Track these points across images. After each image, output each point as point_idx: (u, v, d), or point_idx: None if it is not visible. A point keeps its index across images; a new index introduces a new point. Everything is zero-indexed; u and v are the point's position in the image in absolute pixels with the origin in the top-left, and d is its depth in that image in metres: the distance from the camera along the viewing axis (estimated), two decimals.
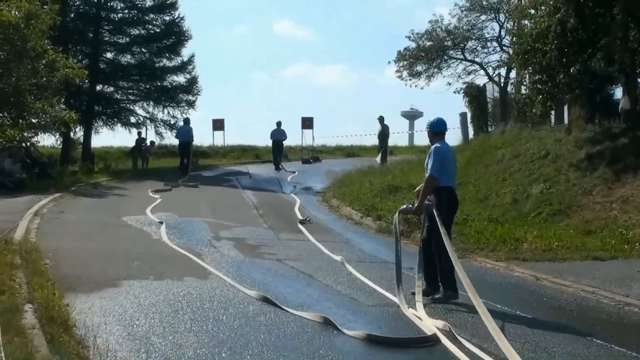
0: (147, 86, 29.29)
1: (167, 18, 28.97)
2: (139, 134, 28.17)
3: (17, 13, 17.22)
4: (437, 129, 7.55)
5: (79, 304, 6.16)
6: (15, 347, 4.53)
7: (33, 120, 18.98)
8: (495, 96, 25.36)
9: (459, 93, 28.06)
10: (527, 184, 13.70)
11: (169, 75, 29.41)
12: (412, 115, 65.33)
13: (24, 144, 19.04)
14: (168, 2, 28.69)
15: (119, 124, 28.91)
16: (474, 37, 30.37)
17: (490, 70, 30.23)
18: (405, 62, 30.66)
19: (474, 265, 9.46)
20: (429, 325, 5.98)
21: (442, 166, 7.21)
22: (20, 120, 18.52)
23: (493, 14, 29.88)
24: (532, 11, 16.49)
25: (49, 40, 19.21)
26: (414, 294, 6.97)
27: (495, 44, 30.35)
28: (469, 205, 13.14)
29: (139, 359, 4.96)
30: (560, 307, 7.10)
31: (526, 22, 17.12)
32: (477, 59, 30.87)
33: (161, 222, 12.18)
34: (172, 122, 29.01)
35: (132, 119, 29.12)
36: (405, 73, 30.89)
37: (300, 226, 12.76)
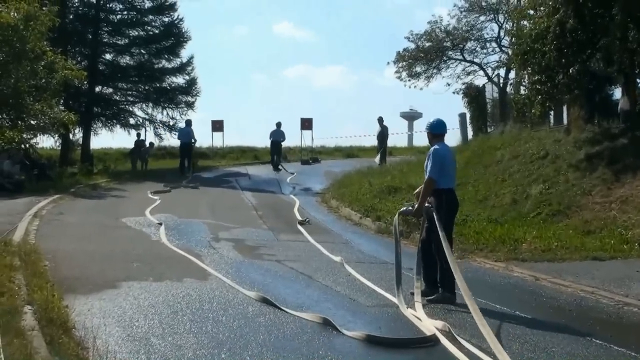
0: (146, 87, 29.31)
1: (166, 19, 29.01)
2: (138, 135, 28.23)
3: (16, 15, 17.24)
4: (437, 130, 7.53)
5: (78, 305, 6.16)
6: (14, 349, 4.52)
7: (32, 122, 19.01)
8: (495, 97, 25.36)
9: (458, 94, 28.17)
10: (526, 185, 13.70)
11: (168, 77, 29.46)
12: (411, 116, 65.32)
13: (23, 146, 19.07)
14: (167, 3, 28.72)
15: (118, 126, 28.95)
16: (473, 38, 30.46)
17: (489, 71, 30.38)
18: (404, 63, 30.73)
19: (474, 266, 9.47)
20: (429, 325, 5.98)
21: (441, 168, 7.20)
22: (19, 122, 18.55)
23: (492, 15, 29.98)
24: (531, 12, 16.49)
25: (48, 41, 19.24)
26: (413, 294, 6.97)
27: (494, 44, 30.49)
28: (469, 206, 13.14)
29: None
30: (559, 307, 7.11)
31: (525, 22, 17.13)
32: (476, 60, 31.00)
33: (160, 224, 12.18)
34: (171, 123, 29.08)
35: (131, 121, 29.17)
36: (404, 74, 31.00)
37: (300, 227, 12.76)
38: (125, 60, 29.12)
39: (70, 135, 26.88)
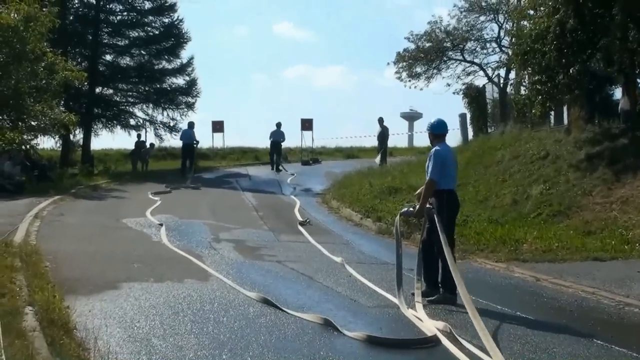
0: (147, 88, 29.30)
1: (166, 20, 28.98)
2: (139, 136, 28.25)
3: (16, 16, 17.22)
4: (438, 130, 7.53)
5: (79, 306, 6.16)
6: (16, 350, 4.53)
7: (32, 123, 18.99)
8: (495, 97, 25.37)
9: (458, 94, 28.16)
10: (526, 185, 13.70)
11: (168, 78, 29.44)
12: (411, 117, 65.40)
13: (23, 147, 19.06)
14: (167, 4, 28.71)
15: (118, 127, 28.93)
16: (473, 38, 30.44)
17: (489, 71, 30.34)
18: (404, 64, 30.71)
19: (474, 267, 9.47)
20: (430, 326, 5.98)
21: (442, 169, 7.20)
22: (20, 123, 18.53)
23: (492, 15, 29.96)
24: (532, 12, 16.49)
25: (48, 42, 19.23)
26: (414, 295, 6.97)
27: (494, 44, 30.46)
28: (469, 207, 13.13)
29: None
30: (560, 308, 7.11)
31: (525, 22, 17.13)
32: (476, 60, 30.97)
33: (161, 224, 12.18)
34: (171, 124, 29.05)
35: (132, 121, 29.15)
36: (404, 74, 30.97)
37: (300, 228, 12.76)
38: (126, 61, 29.14)
39: (71, 136, 26.88)
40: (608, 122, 14.78)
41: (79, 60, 27.20)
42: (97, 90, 28.25)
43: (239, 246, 10.65)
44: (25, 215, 12.36)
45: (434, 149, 7.36)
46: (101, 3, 27.89)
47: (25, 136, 18.67)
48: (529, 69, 15.83)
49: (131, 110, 29.56)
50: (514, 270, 9.03)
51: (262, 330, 5.83)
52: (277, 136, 26.79)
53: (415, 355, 5.53)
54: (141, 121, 29.27)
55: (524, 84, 18.08)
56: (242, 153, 33.55)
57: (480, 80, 29.57)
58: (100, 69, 28.26)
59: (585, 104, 15.59)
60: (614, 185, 11.96)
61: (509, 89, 25.23)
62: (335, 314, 6.38)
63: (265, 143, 28.95)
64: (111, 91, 29.29)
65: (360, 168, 20.95)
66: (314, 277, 8.29)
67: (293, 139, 30.86)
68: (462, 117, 24.84)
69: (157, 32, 28.94)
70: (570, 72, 14.20)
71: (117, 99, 29.52)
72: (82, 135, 28.03)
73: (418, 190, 7.58)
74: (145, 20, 28.84)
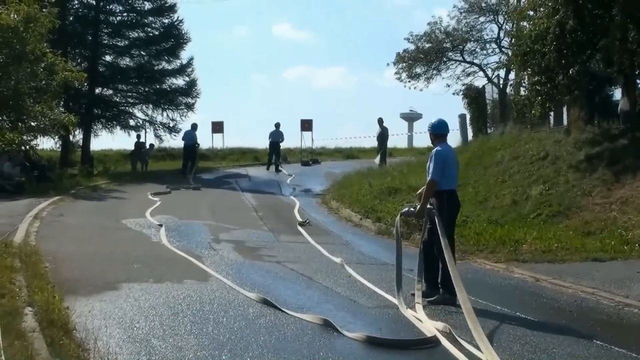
0: (146, 89, 29.29)
1: (166, 21, 28.95)
2: (138, 137, 28.24)
3: (16, 16, 17.24)
4: (439, 130, 7.52)
5: (79, 307, 6.16)
6: (15, 351, 4.53)
7: (32, 124, 19.00)
8: (495, 98, 25.37)
9: (458, 95, 28.20)
10: (526, 186, 13.71)
11: (168, 78, 29.42)
12: (411, 117, 65.24)
13: (23, 147, 19.06)
14: (167, 4, 28.70)
15: (118, 127, 28.91)
16: (472, 39, 30.44)
17: (489, 72, 30.32)
18: (404, 64, 30.70)
19: (474, 267, 9.47)
20: (429, 327, 5.98)
21: (443, 170, 7.20)
22: (20, 124, 18.55)
23: (492, 16, 29.97)
24: (531, 13, 16.50)
25: (48, 43, 19.25)
26: (413, 295, 6.97)
27: (494, 45, 30.46)
28: (469, 207, 13.13)
29: None
30: (560, 308, 7.11)
31: (525, 23, 17.14)
32: (476, 61, 30.97)
33: (161, 225, 12.18)
34: (171, 125, 29.05)
35: (131, 122, 29.12)
36: (404, 75, 30.96)
37: (300, 228, 12.76)
38: (125, 61, 29.12)
39: (71, 137, 26.87)
40: (608, 122, 14.79)
41: (79, 60, 27.19)
42: (97, 90, 28.25)
43: (238, 247, 10.65)
44: (24, 215, 12.36)
45: (434, 150, 7.36)
46: (101, 4, 27.88)
47: (24, 137, 18.69)
48: (529, 69, 15.84)
49: (131, 110, 29.57)
50: (514, 270, 9.03)
51: (261, 330, 5.83)
52: (276, 136, 26.80)
53: (415, 355, 5.53)
54: (141, 122, 29.29)
55: (523, 84, 18.10)
56: (242, 154, 33.56)
57: (480, 81, 29.63)
58: (100, 69, 28.25)
59: (584, 104, 15.60)
60: (613, 185, 11.96)
61: (508, 89, 25.24)
62: (334, 314, 6.38)
63: (265, 144, 29.02)
64: (111, 92, 29.28)
65: (359, 169, 20.96)
66: (313, 278, 8.29)
67: (293, 140, 31.05)
68: (462, 117, 24.86)
69: (157, 33, 28.93)
70: (570, 72, 14.20)
71: (117, 99, 29.51)
72: (81, 136, 28.05)
73: (420, 190, 7.58)
74: (145, 20, 28.83)
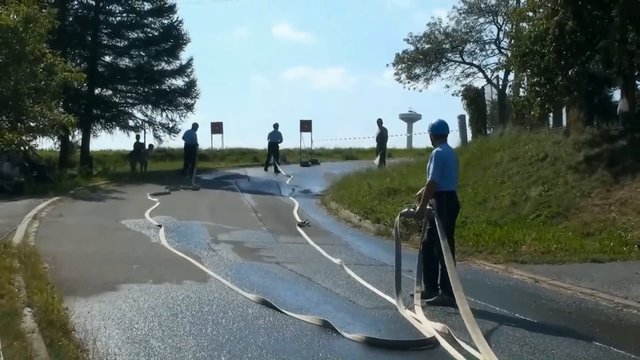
0: (146, 89, 29.26)
1: (166, 21, 28.92)
2: (138, 137, 28.22)
3: (15, 17, 17.24)
4: (439, 131, 7.52)
5: (78, 307, 6.16)
6: (14, 351, 4.53)
7: (31, 124, 19.01)
8: (494, 99, 25.36)
9: (457, 95, 28.19)
10: (525, 187, 13.71)
11: (167, 79, 29.39)
12: (410, 118, 65.36)
13: (22, 148, 19.06)
14: (166, 5, 28.67)
15: (117, 128, 28.86)
16: (472, 40, 30.47)
17: (488, 73, 30.31)
18: (403, 65, 30.71)
19: (473, 268, 9.48)
20: (428, 327, 5.99)
21: (443, 171, 7.20)
22: (19, 124, 18.56)
23: (491, 17, 29.98)
24: (531, 14, 16.49)
25: (47, 44, 19.25)
26: (413, 296, 6.97)
27: (493, 46, 30.49)
28: (468, 208, 13.13)
29: None
30: (559, 310, 7.11)
31: (524, 24, 17.13)
32: (475, 62, 31.00)
33: (160, 226, 12.18)
34: (170, 125, 29.03)
35: (131, 123, 29.07)
36: (403, 76, 30.97)
37: (299, 229, 12.76)
38: (125, 62, 29.08)
39: (70, 137, 26.84)
40: (607, 123, 14.78)
41: (78, 61, 27.17)
42: (96, 91, 28.22)
43: (237, 247, 10.64)
44: (24, 216, 12.36)
45: (435, 150, 7.35)
46: (100, 4, 27.87)
47: (24, 137, 18.69)
48: (528, 70, 15.84)
49: (130, 111, 29.53)
50: (513, 271, 9.03)
51: (260, 331, 5.83)
52: (275, 137, 26.81)
53: (414, 356, 5.53)
54: (140, 122, 29.25)
55: (522, 85, 18.06)
56: (241, 154, 33.55)
57: (479, 82, 29.64)
58: (100, 70, 28.23)
59: (584, 105, 15.60)
60: (612, 187, 11.97)
61: (507, 90, 25.24)
62: (334, 315, 6.38)
63: (264, 144, 29.03)
64: (110, 92, 29.26)
65: (359, 169, 20.94)
66: (312, 279, 8.29)
67: (292, 140, 31.07)
68: (461, 118, 24.84)
69: (156, 34, 28.90)
70: (569, 73, 14.20)
71: (116, 100, 29.49)
72: (81, 137, 28.01)
73: (419, 191, 7.58)
74: (145, 21, 28.81)
